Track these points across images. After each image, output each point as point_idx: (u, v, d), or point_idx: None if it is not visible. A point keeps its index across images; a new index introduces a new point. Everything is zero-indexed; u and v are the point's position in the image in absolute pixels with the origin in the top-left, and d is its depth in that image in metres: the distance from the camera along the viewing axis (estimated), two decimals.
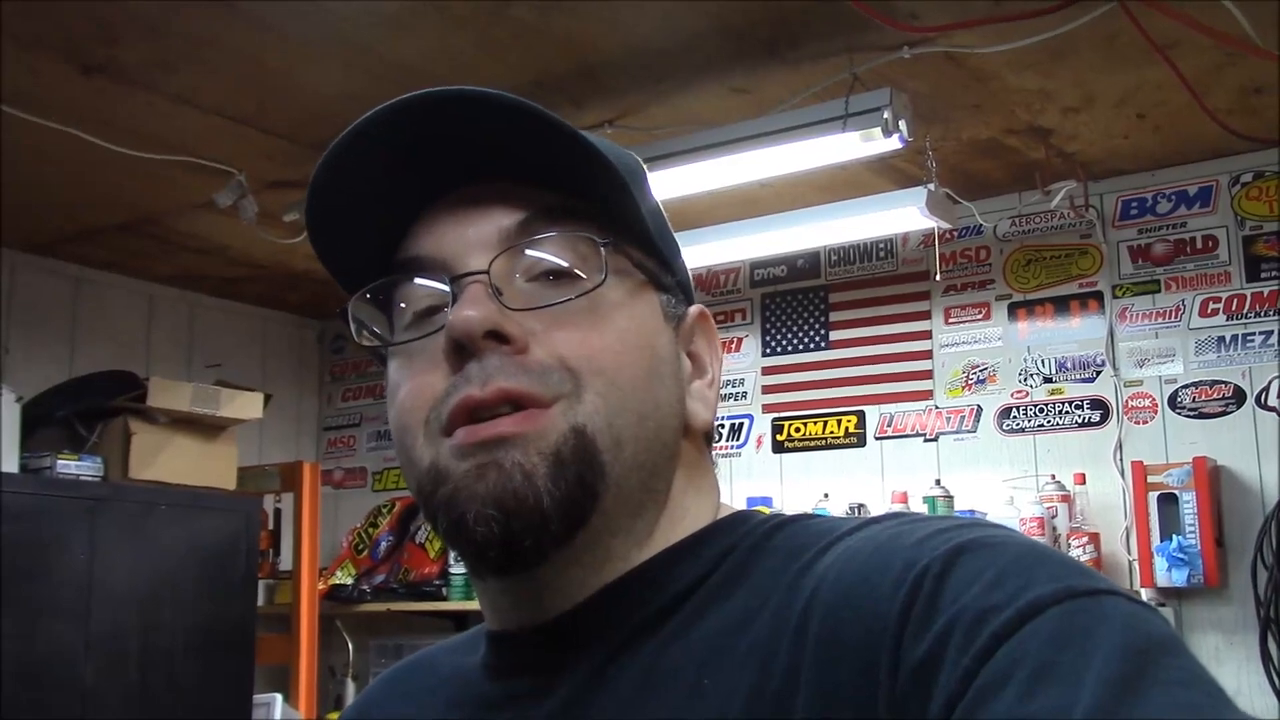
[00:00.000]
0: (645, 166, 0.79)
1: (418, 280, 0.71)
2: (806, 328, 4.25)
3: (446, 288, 0.68)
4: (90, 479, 3.39)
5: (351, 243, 0.74)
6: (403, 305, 0.72)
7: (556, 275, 0.69)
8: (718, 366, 0.78)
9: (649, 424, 0.69)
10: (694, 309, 0.77)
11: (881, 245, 4.14)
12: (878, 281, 4.15)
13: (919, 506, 3.76)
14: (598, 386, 0.67)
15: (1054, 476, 3.69)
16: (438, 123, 0.69)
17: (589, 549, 0.68)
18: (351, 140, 0.69)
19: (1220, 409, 3.53)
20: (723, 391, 3.62)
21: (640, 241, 0.73)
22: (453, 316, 0.66)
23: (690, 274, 0.80)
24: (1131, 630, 0.51)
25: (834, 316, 4.21)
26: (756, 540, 0.69)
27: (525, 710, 0.69)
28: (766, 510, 0.77)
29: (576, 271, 0.69)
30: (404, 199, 0.72)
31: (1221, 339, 3.55)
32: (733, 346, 4.33)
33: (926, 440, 3.98)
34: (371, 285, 0.72)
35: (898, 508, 3.77)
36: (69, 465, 3.37)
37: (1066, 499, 3.62)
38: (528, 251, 0.69)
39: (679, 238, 0.79)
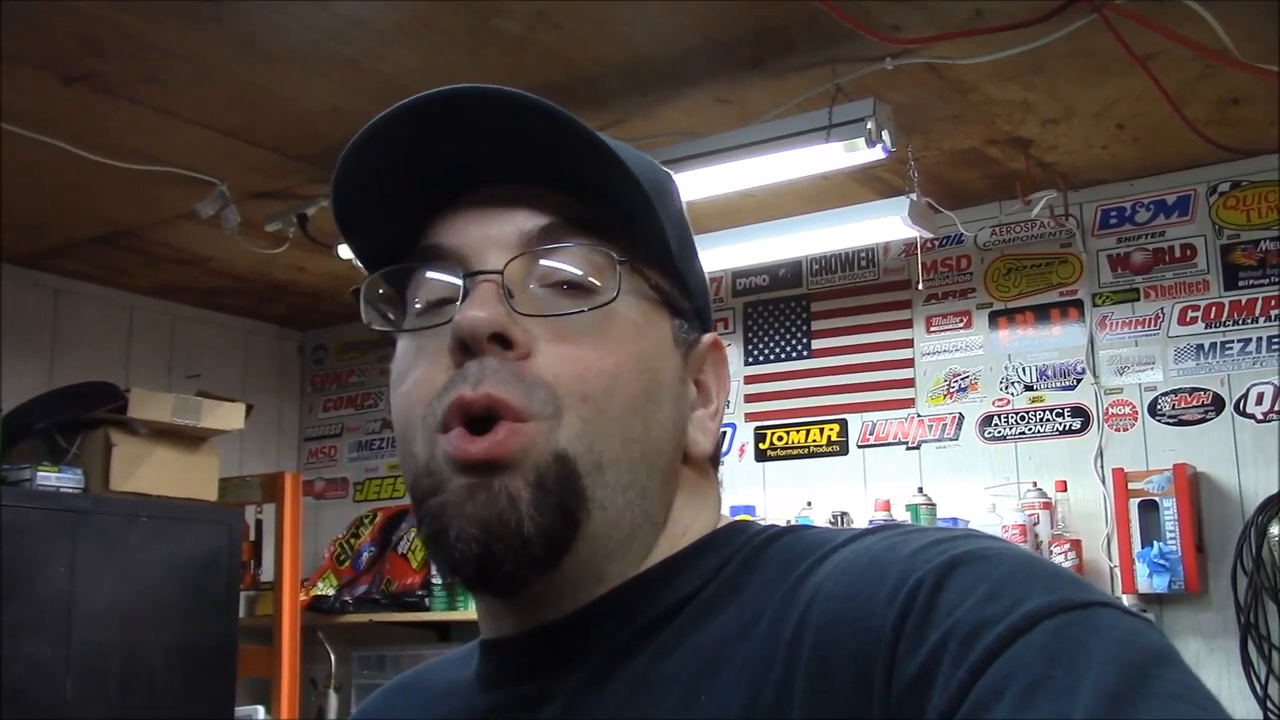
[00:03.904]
0: (674, 179, 0.79)
1: (432, 272, 0.71)
2: (788, 337, 4.26)
3: (459, 281, 0.68)
4: (71, 491, 3.37)
5: (376, 226, 0.74)
6: (416, 292, 0.72)
7: (571, 286, 0.69)
8: (723, 397, 0.77)
9: (635, 448, 0.69)
10: (708, 337, 0.77)
11: (863, 254, 4.16)
12: (859, 290, 4.16)
13: (901, 514, 3.77)
14: (581, 411, 0.66)
15: (1035, 484, 3.70)
16: (470, 118, 0.68)
17: (580, 569, 0.68)
18: (381, 128, 0.69)
19: (1200, 416, 3.55)
20: None
21: (660, 262, 0.73)
22: (460, 315, 0.66)
23: (711, 303, 0.80)
24: (1127, 643, 0.52)
25: (816, 325, 4.22)
26: (751, 552, 0.69)
27: (521, 719, 0.69)
28: (749, 519, 0.77)
29: (591, 285, 0.69)
30: (432, 189, 0.72)
31: (1200, 347, 3.58)
32: None
33: (909, 448, 3.99)
34: (386, 269, 0.72)
35: (881, 516, 3.78)
36: (49, 477, 3.35)
37: (1048, 506, 3.64)
38: (544, 260, 0.69)
39: None
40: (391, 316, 0.73)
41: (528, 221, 0.69)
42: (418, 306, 0.71)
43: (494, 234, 0.69)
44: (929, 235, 3.47)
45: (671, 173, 0.78)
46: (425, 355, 0.69)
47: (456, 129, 0.69)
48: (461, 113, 0.68)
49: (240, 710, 3.70)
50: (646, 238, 0.71)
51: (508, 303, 0.67)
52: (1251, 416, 3.48)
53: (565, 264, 0.69)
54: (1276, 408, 3.45)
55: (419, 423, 0.67)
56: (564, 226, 0.69)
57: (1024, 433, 3.81)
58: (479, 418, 0.65)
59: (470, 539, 0.64)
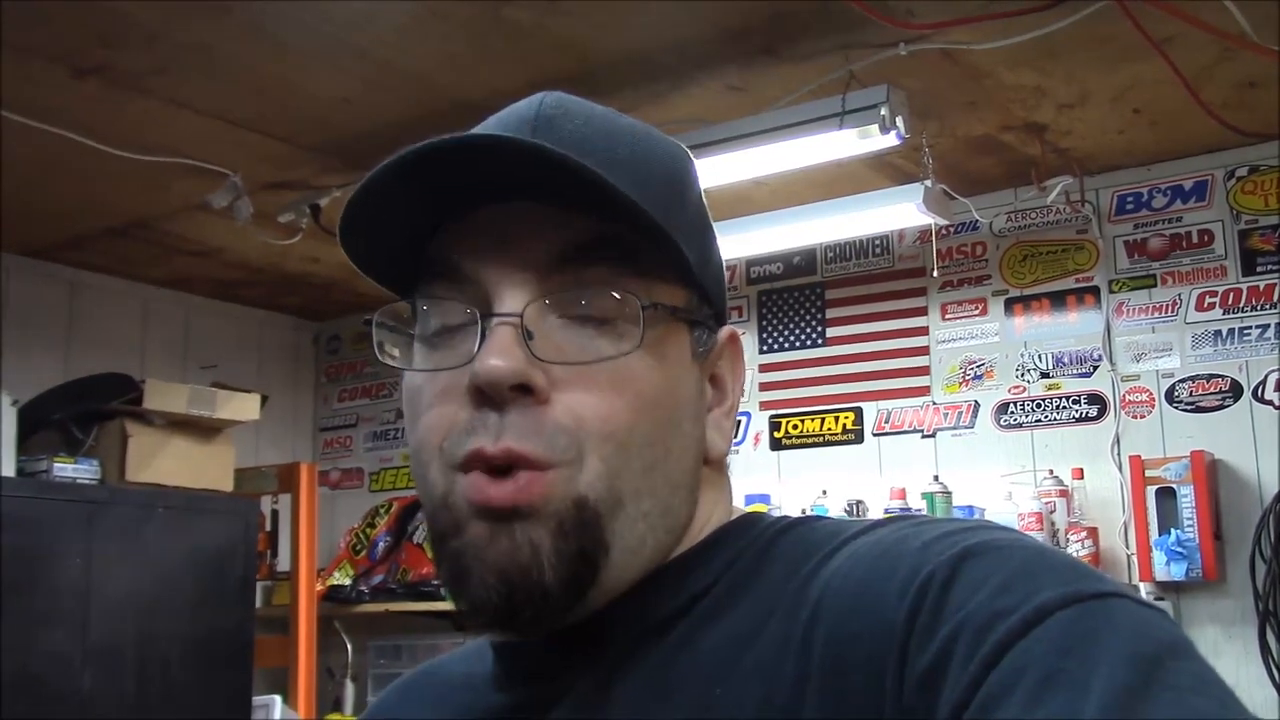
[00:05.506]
0: (692, 159, 0.77)
1: (449, 299, 0.69)
2: (803, 325, 4.25)
3: (477, 322, 0.67)
4: (87, 482, 3.38)
5: (383, 246, 0.72)
6: (431, 313, 0.70)
7: (590, 320, 0.67)
8: (738, 391, 0.77)
9: (656, 474, 0.68)
10: (724, 332, 0.76)
11: (878, 242, 4.14)
12: (874, 278, 4.15)
13: (917, 503, 3.76)
14: (602, 451, 0.65)
15: (1052, 471, 3.69)
16: (472, 157, 0.66)
17: (597, 591, 0.67)
18: (384, 174, 0.66)
19: (1217, 403, 3.53)
20: None
21: (680, 275, 0.71)
22: (478, 363, 0.64)
23: (726, 292, 0.78)
24: (1140, 634, 0.51)
25: (831, 313, 4.21)
26: (762, 546, 0.69)
27: (534, 719, 0.69)
28: (764, 507, 0.76)
29: (612, 320, 0.67)
30: (441, 202, 0.70)
31: (1218, 333, 3.56)
32: None
33: (924, 436, 3.98)
34: (403, 301, 0.72)
35: (897, 504, 3.77)
36: (65, 468, 3.36)
37: (1064, 494, 3.62)
38: (564, 294, 0.67)
39: None
40: (407, 330, 0.72)
41: (546, 250, 0.67)
42: (433, 326, 0.70)
43: (512, 265, 0.67)
44: (944, 222, 3.46)
45: (690, 154, 0.76)
46: (441, 382, 0.68)
47: (460, 164, 0.67)
48: (461, 156, 0.66)
49: (257, 700, 3.72)
50: (666, 254, 0.70)
51: (527, 346, 0.65)
52: (1269, 403, 3.46)
53: (586, 299, 0.67)
54: None
55: (436, 452, 0.67)
56: (583, 253, 0.68)
57: (1040, 420, 3.80)
58: (499, 468, 0.65)
59: (490, 588, 0.64)
